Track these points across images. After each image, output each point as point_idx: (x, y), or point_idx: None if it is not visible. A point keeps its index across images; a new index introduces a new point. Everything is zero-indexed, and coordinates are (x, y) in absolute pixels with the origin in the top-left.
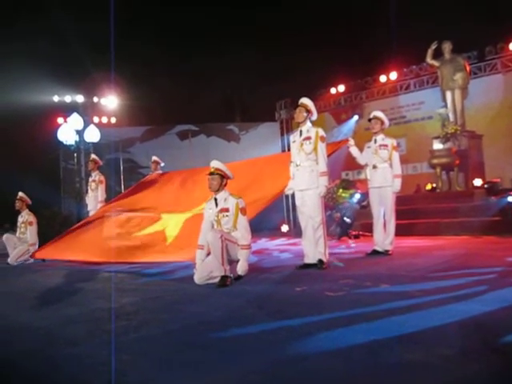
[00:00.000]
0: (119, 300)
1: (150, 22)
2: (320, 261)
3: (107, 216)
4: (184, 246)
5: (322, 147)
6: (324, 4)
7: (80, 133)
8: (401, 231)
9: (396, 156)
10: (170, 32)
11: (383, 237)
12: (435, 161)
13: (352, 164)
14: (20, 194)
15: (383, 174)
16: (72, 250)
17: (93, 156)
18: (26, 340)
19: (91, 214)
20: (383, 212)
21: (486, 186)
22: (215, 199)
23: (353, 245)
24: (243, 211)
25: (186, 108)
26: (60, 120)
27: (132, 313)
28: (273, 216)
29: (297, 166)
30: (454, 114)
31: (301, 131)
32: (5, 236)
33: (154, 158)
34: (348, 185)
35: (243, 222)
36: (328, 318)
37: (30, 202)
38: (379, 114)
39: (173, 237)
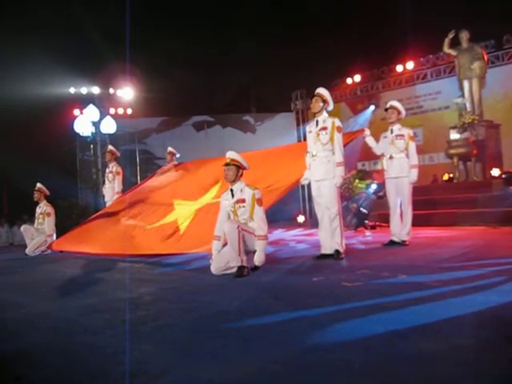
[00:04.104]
0: (137, 290)
1: (165, 13)
2: (337, 251)
3: (124, 208)
4: (197, 236)
5: (338, 137)
6: None
7: (96, 124)
8: (418, 222)
9: (413, 146)
10: (185, 23)
11: (400, 227)
12: (452, 151)
13: (368, 154)
14: (38, 185)
15: (400, 164)
16: (88, 243)
17: (110, 147)
18: (45, 330)
19: (108, 205)
20: (400, 202)
21: (503, 176)
22: (231, 190)
23: (369, 235)
24: (259, 202)
25: (202, 99)
26: (76, 112)
27: (150, 303)
28: (289, 207)
29: (313, 156)
30: (472, 104)
31: (317, 121)
32: (23, 227)
33: (170, 148)
34: (364, 175)
35: (260, 212)
36: (345, 309)
37: (48, 193)
38: (396, 103)
39: (186, 226)
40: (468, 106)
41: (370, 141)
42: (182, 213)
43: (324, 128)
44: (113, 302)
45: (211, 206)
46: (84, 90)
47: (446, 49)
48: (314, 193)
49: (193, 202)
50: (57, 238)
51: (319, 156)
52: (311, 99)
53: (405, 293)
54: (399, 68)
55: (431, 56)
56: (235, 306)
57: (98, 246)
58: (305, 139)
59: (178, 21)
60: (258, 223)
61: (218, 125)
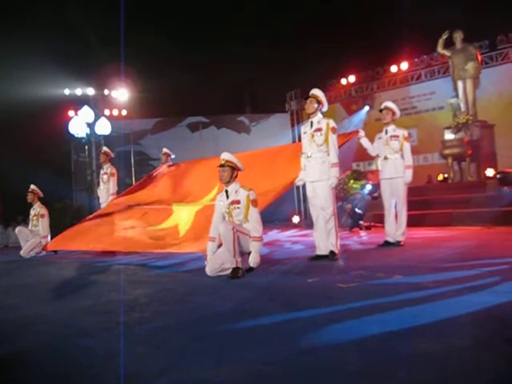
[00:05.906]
0: (132, 292)
1: (160, 14)
2: (332, 252)
3: (119, 209)
4: (196, 238)
5: (333, 138)
6: None
7: (91, 125)
8: (412, 222)
9: (407, 147)
10: (180, 24)
11: (395, 228)
12: (447, 151)
13: (363, 155)
14: (32, 186)
15: (394, 165)
16: (83, 240)
17: (104, 148)
18: (40, 332)
19: (103, 206)
20: (395, 203)
21: (498, 176)
22: (226, 191)
23: (364, 236)
24: (254, 203)
25: (197, 100)
26: (71, 113)
27: (145, 304)
28: (284, 207)
29: (308, 157)
30: (466, 104)
31: (311, 122)
32: (17, 229)
33: (165, 149)
34: (359, 176)
35: (254, 213)
36: (340, 310)
37: (41, 194)
38: (390, 104)
39: (185, 230)
40: (462, 106)
41: (364, 142)
42: (182, 217)
43: (319, 129)
44: (108, 304)
45: (208, 207)
46: (79, 92)
47: (441, 49)
48: (309, 194)
49: (192, 204)
50: (51, 239)
51: (314, 157)
52: (306, 100)
53: (400, 293)
54: (393, 69)
55: (425, 57)
56: (230, 307)
57: (92, 242)
58: (299, 140)
59: (173, 22)
60: (253, 224)
61: (213, 125)
